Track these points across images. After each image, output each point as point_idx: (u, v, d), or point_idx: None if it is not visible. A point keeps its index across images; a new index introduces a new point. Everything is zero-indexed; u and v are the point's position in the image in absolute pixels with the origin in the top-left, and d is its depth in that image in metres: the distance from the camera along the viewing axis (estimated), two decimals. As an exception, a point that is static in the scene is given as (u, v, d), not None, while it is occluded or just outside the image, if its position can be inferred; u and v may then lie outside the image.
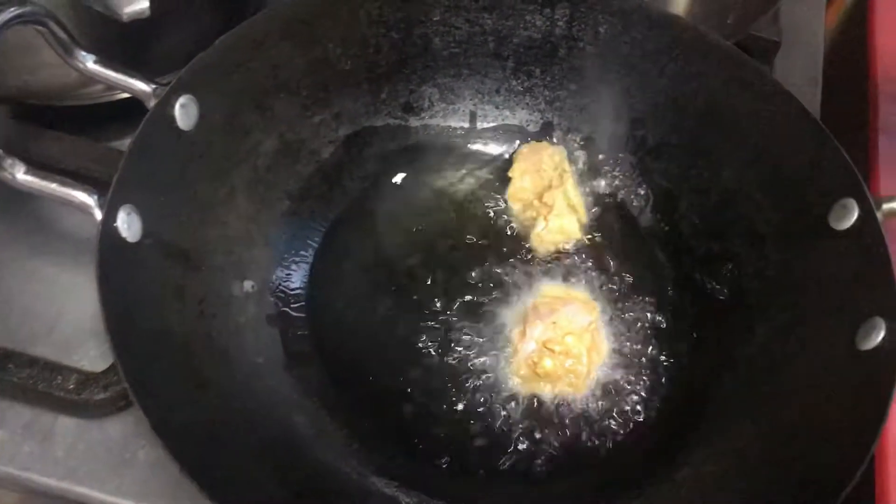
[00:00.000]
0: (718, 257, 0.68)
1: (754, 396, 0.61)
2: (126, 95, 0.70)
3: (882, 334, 0.54)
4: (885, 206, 0.59)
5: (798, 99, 0.65)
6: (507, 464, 0.61)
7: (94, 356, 0.65)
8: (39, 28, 0.54)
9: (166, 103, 0.58)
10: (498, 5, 0.70)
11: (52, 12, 0.55)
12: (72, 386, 0.62)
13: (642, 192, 0.73)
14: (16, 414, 0.62)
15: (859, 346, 0.55)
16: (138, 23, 0.58)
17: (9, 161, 0.52)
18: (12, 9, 0.51)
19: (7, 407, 0.63)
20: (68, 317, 0.67)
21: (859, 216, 0.59)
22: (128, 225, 0.54)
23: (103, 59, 0.58)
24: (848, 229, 0.59)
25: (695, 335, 0.66)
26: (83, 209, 0.54)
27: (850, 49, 0.92)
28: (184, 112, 0.59)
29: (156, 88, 0.58)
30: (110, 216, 0.53)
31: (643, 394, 0.63)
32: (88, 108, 0.73)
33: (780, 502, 0.53)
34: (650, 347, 0.66)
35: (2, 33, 0.50)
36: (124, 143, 0.73)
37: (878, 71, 0.80)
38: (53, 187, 0.53)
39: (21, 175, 0.53)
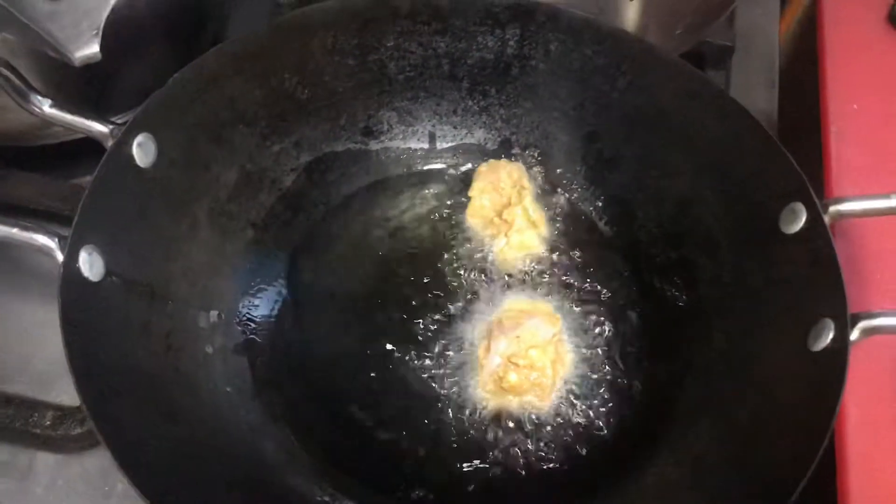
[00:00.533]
0: (676, 265, 0.70)
1: (714, 399, 0.62)
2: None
3: (832, 335, 0.56)
4: (833, 209, 0.60)
5: (750, 109, 0.66)
6: (479, 478, 0.62)
7: (72, 390, 0.63)
8: (-8, 75, 0.55)
9: (123, 143, 0.59)
10: (450, 28, 0.71)
11: (4, 59, 0.56)
12: (48, 422, 0.64)
13: (600, 204, 0.74)
14: None
15: (811, 348, 0.57)
16: (94, 64, 0.59)
17: (-33, 208, 0.53)
18: (-36, 59, 0.52)
19: (-17, 446, 0.64)
20: (43, 352, 0.69)
21: (808, 219, 0.60)
22: (90, 265, 0.56)
23: (59, 103, 0.59)
24: (797, 233, 0.61)
25: (657, 342, 0.68)
26: (45, 252, 0.55)
27: (806, 53, 0.94)
28: (141, 150, 0.60)
29: (113, 129, 0.59)
30: (71, 258, 0.54)
31: (608, 402, 0.65)
32: (57, 147, 0.75)
33: (742, 500, 0.55)
34: (614, 356, 0.67)
35: (-43, 84, 0.51)
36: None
37: (828, 74, 0.81)
38: (14, 232, 0.54)
39: None
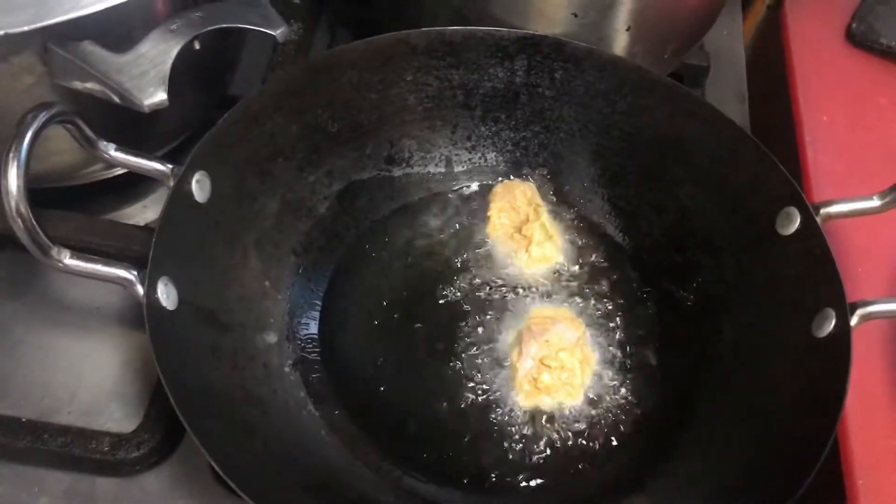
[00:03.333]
0: (681, 267, 0.75)
1: (731, 388, 0.67)
2: (118, 172, 0.76)
3: (833, 322, 0.61)
4: (823, 211, 0.66)
5: (734, 120, 0.72)
6: (522, 474, 0.66)
7: (118, 418, 0.69)
8: (68, 126, 0.59)
9: (184, 181, 0.63)
10: (463, 62, 0.76)
11: (74, 111, 0.59)
12: (106, 448, 0.65)
13: (609, 216, 0.80)
14: (56, 480, 0.66)
15: (815, 335, 0.62)
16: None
17: (55, 249, 0.57)
18: (44, 112, 0.55)
19: (46, 475, 0.66)
20: (87, 384, 0.70)
21: (801, 222, 0.66)
22: (166, 295, 0.60)
23: (122, 147, 0.63)
24: (793, 234, 0.67)
25: (671, 339, 0.73)
26: (125, 285, 0.58)
27: (765, 65, 1.02)
28: (199, 187, 0.65)
29: (172, 168, 0.63)
30: (151, 289, 0.58)
31: (632, 397, 0.70)
32: (81, 187, 0.77)
33: (765, 478, 0.60)
34: (633, 354, 0.72)
35: (39, 134, 0.55)
36: (119, 215, 0.79)
37: (798, 90, 0.88)
38: (98, 268, 0.58)
39: (67, 260, 0.57)
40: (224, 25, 0.62)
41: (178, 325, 0.60)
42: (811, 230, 0.66)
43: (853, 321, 0.61)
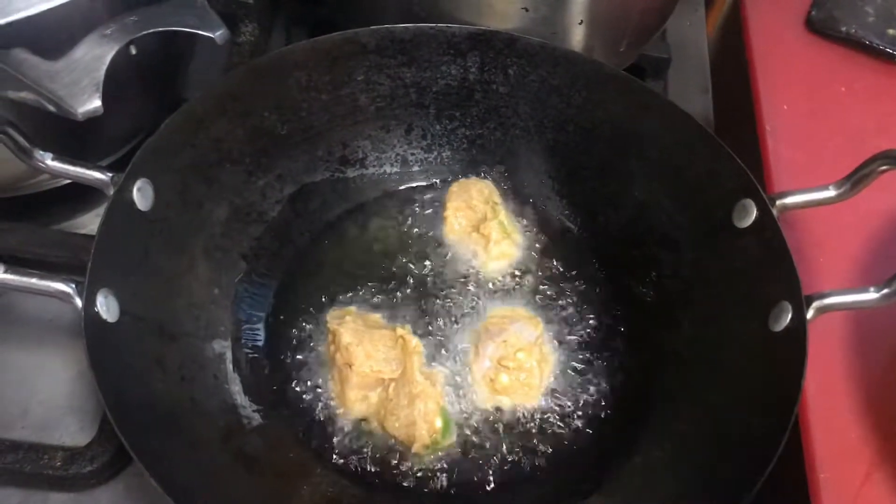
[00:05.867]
0: (641, 263, 0.74)
1: (689, 384, 0.67)
2: (65, 182, 0.75)
3: (790, 316, 0.61)
4: (779, 202, 0.65)
5: (691, 114, 0.71)
6: (479, 476, 0.65)
7: (73, 431, 0.67)
8: (0, 136, 0.57)
9: (124, 189, 0.62)
10: (415, 60, 0.75)
11: (7, 119, 0.58)
12: (59, 463, 0.64)
13: (567, 212, 0.79)
14: (6, 496, 0.64)
15: (772, 328, 0.62)
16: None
17: (-12, 263, 0.55)
18: (-27, 121, 0.54)
19: (-2, 491, 0.64)
20: (41, 398, 0.69)
21: (758, 214, 0.65)
22: (106, 307, 0.58)
23: (60, 156, 0.61)
24: (749, 226, 0.66)
25: (630, 336, 0.72)
26: (63, 298, 0.57)
27: (730, 55, 1.01)
28: (141, 195, 0.63)
29: (112, 176, 0.61)
30: (90, 302, 0.57)
31: (591, 395, 0.69)
32: (33, 195, 0.76)
33: (722, 474, 0.59)
34: (593, 352, 0.71)
35: (-32, 145, 0.54)
36: (72, 225, 0.78)
37: (758, 79, 0.87)
38: (34, 282, 0.56)
39: (1, 274, 0.56)
40: (160, 29, 0.61)
41: (120, 337, 0.59)
42: (767, 222, 0.65)
43: (809, 314, 0.60)
